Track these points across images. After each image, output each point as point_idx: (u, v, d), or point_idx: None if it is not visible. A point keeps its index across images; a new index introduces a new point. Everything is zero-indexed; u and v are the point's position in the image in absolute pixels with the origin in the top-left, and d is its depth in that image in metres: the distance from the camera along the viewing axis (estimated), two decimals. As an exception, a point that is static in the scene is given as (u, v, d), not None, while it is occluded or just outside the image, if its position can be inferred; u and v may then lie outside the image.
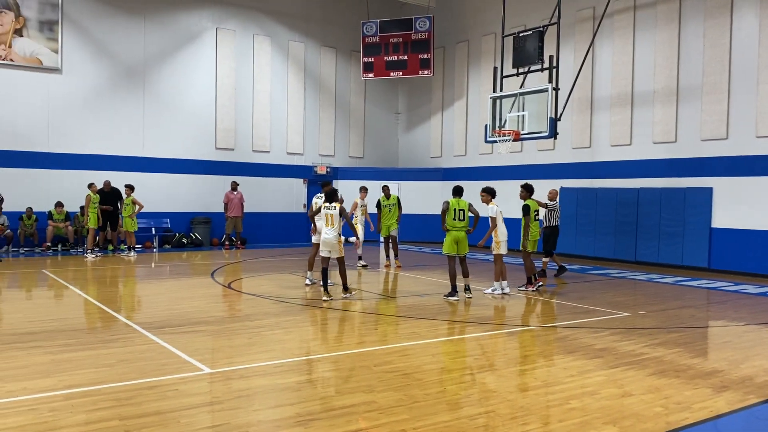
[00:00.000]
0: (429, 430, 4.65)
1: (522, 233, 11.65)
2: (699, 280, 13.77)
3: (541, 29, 14.61)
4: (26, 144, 17.64)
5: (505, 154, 16.52)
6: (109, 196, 17.16)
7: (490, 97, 15.41)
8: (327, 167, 22.84)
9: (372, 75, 21.90)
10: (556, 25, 14.48)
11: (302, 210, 22.18)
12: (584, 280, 13.53)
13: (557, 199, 13.86)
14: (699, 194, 15.13)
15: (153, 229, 19.25)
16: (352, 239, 12.79)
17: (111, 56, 18.92)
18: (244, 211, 19.63)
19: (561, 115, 14.60)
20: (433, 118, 23.48)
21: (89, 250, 16.33)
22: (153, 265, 15.57)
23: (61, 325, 8.18)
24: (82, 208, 17.21)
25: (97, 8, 18.64)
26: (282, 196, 22.09)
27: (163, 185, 19.54)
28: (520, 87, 15.08)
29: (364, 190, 15.43)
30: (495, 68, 15.79)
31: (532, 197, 11.98)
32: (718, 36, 14.84)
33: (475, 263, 15.15)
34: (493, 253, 11.37)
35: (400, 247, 16.29)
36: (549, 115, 13.88)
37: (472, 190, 18.75)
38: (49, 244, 17.41)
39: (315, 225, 11.41)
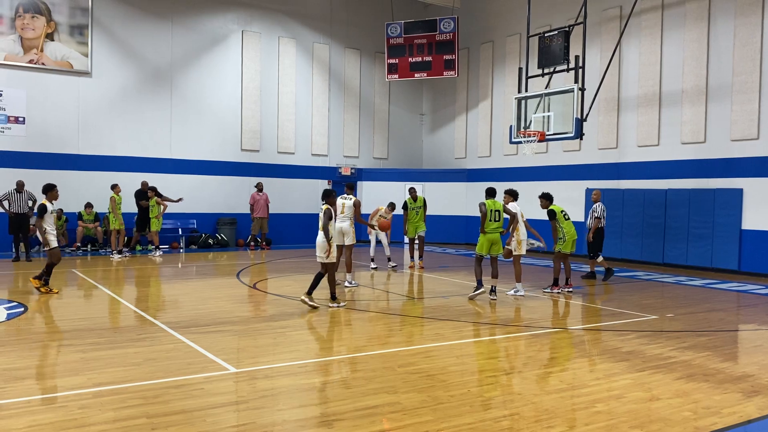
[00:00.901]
0: (453, 432, 4.64)
1: (553, 236, 11.67)
2: (729, 282, 13.52)
3: (567, 29, 14.47)
4: (57, 146, 18.00)
5: (530, 155, 16.39)
6: (144, 196, 17.43)
7: (515, 98, 15.31)
8: (351, 168, 22.90)
9: (396, 76, 21.91)
10: (582, 25, 14.34)
11: (327, 211, 22.23)
12: (611, 282, 13.36)
13: (600, 200, 13.67)
14: (729, 195, 14.86)
15: (180, 229, 19.49)
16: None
17: (139, 59, 19.22)
18: (270, 212, 19.78)
19: (587, 115, 14.44)
20: (457, 119, 23.41)
21: (116, 251, 16.60)
22: (179, 265, 15.76)
23: (90, 324, 8.32)
24: (109, 209, 17.50)
25: (126, 13, 18.95)
26: (307, 198, 22.19)
27: (190, 186, 19.77)
28: (546, 87, 14.96)
29: (391, 206, 15.14)
30: (520, 69, 15.68)
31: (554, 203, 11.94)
32: (748, 34, 14.57)
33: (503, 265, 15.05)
34: (514, 254, 11.33)
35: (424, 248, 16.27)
36: (575, 116, 13.74)
37: (498, 191, 18.69)
38: (79, 244, 17.73)
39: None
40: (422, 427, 4.70)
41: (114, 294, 10.71)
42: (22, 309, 9.23)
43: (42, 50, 17.75)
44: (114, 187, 17.03)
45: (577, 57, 14.04)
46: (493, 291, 10.66)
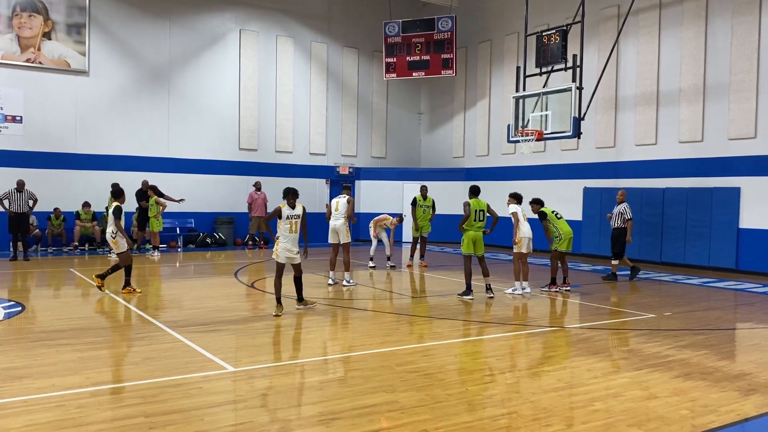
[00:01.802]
0: (451, 430, 4.64)
1: (546, 237, 11.74)
2: (726, 281, 13.55)
3: (565, 28, 14.49)
4: (55, 145, 17.97)
5: (528, 154, 16.42)
6: (144, 196, 17.38)
7: (513, 97, 15.32)
8: (349, 167, 22.90)
9: (394, 75, 21.90)
10: (579, 24, 14.37)
11: (324, 210, 22.23)
12: (620, 280, 13.36)
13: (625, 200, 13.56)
14: (726, 194, 14.88)
15: (177, 229, 19.46)
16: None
17: (137, 58, 19.20)
18: (268, 211, 19.75)
19: (585, 114, 14.46)
20: (455, 118, 23.41)
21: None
22: (177, 264, 15.75)
23: (88, 323, 8.32)
24: (107, 209, 17.45)
25: (124, 12, 18.92)
26: (304, 197, 21.96)
27: (188, 185, 19.74)
28: (543, 86, 14.97)
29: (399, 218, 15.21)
30: (518, 68, 15.70)
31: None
32: (746, 33, 14.59)
33: (497, 263, 15.08)
34: (514, 251, 11.35)
35: (423, 247, 16.29)
36: (572, 115, 13.76)
37: (496, 190, 18.74)
38: (77, 243, 17.71)
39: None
40: (420, 426, 4.70)
41: (112, 293, 10.69)
42: (20, 308, 9.22)
43: (39, 49, 17.71)
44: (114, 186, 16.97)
45: (574, 56, 14.06)
46: (488, 289, 10.67)
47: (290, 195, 9.08)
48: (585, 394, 5.59)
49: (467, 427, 4.71)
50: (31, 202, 15.62)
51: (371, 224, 15.14)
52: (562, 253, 11.67)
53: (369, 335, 7.95)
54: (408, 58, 21.53)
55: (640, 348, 7.33)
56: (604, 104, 17.65)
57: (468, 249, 10.62)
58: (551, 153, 19.28)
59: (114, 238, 10.77)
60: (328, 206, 12.69)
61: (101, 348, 6.94)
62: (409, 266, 15.23)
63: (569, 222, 12.14)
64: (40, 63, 17.73)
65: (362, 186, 22.86)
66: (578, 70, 14.03)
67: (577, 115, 13.82)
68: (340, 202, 11.91)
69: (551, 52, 14.58)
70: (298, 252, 9.16)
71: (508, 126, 15.53)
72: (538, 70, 15.14)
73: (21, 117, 17.49)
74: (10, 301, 9.80)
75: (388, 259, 15.07)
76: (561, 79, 15.40)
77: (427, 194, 15.30)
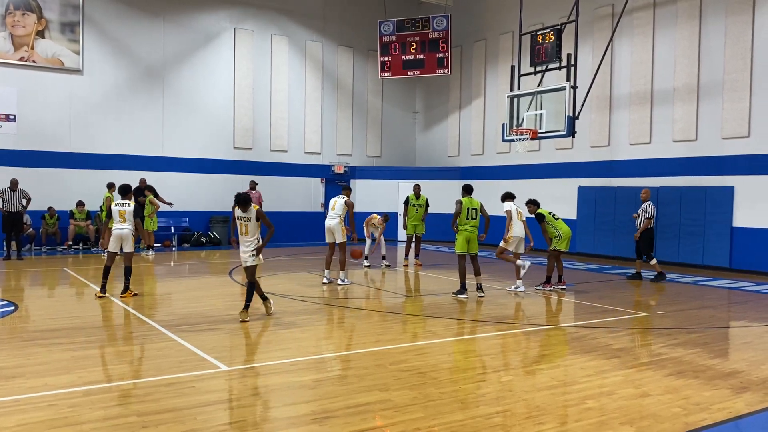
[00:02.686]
0: (444, 429, 4.65)
1: (544, 238, 11.80)
2: (719, 280, 13.60)
3: (559, 27, 14.52)
4: (49, 144, 17.90)
5: (522, 153, 16.44)
6: (142, 194, 17.30)
7: (508, 96, 15.34)
8: (345, 166, 22.89)
9: (389, 74, 21.89)
10: (574, 23, 14.39)
11: (320, 209, 22.25)
12: (603, 279, 13.40)
13: (650, 199, 13.43)
14: (720, 193, 14.93)
15: (172, 228, 19.42)
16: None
17: (131, 57, 19.14)
18: (263, 210, 19.71)
19: (579, 113, 14.50)
20: (450, 117, 23.43)
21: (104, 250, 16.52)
22: (172, 263, 15.71)
23: (81, 322, 8.29)
24: (101, 207, 17.40)
25: (118, 10, 18.86)
26: (300, 196, 22.19)
27: (182, 185, 19.71)
28: (538, 85, 15.00)
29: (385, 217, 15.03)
30: (512, 67, 15.72)
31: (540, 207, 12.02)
32: (739, 33, 14.64)
33: (494, 263, 15.11)
34: (501, 245, 11.40)
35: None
36: (567, 114, 13.79)
37: (491, 189, 18.74)
38: (71, 242, 17.64)
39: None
40: (413, 425, 4.71)
41: (106, 292, 10.64)
42: (13, 308, 9.18)
43: (33, 48, 17.64)
44: (111, 186, 16.92)
45: (569, 55, 14.08)
46: (479, 288, 10.70)
47: (240, 204, 8.74)
48: (578, 392, 5.61)
49: (460, 426, 4.71)
50: (24, 201, 15.58)
51: (364, 224, 15.15)
52: (560, 252, 11.71)
53: (363, 334, 7.95)
54: (403, 57, 21.52)
55: (633, 346, 7.35)
56: (599, 103, 17.69)
57: (462, 248, 10.63)
58: (546, 152, 19.30)
59: (132, 235, 10.42)
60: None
61: (94, 347, 6.93)
62: (405, 265, 15.24)
63: (564, 221, 12.17)
64: (34, 61, 17.66)
65: (357, 185, 22.84)
66: (573, 69, 14.06)
67: (571, 114, 13.85)
68: (337, 202, 11.92)
69: (546, 52, 14.61)
70: (251, 254, 8.65)
71: (503, 125, 15.56)
72: (532, 69, 15.16)
73: (14, 116, 17.42)
74: (3, 300, 9.76)
75: (383, 258, 15.08)
76: (555, 78, 15.42)
77: (420, 193, 15.30)
